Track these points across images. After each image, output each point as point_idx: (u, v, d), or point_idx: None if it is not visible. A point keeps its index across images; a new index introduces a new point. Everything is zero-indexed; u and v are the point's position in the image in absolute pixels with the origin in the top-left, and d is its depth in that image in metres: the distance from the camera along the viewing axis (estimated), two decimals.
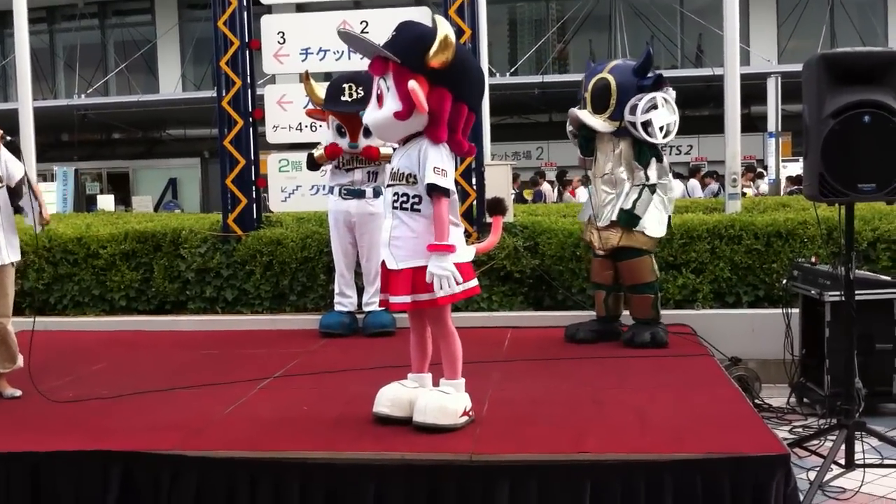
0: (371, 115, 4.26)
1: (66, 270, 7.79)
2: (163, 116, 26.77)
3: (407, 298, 4.15)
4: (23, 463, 4.05)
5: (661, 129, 6.03)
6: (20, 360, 5.24)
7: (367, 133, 6.50)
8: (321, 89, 6.77)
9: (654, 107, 6.00)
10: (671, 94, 6.13)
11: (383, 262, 4.28)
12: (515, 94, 21.86)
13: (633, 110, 6.01)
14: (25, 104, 8.79)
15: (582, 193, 18.37)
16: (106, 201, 20.53)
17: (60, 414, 4.74)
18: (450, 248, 4.07)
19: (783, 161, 18.96)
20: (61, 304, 7.82)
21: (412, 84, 4.02)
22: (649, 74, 6.12)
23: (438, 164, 4.11)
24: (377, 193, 6.81)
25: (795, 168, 20.14)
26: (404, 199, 4.20)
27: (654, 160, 6.17)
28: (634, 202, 6.11)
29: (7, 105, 25.14)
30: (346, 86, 6.51)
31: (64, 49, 28.59)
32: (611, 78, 6.12)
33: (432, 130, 4.15)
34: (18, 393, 5.14)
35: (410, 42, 4.10)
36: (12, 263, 5.22)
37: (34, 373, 5.35)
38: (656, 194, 6.18)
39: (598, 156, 6.31)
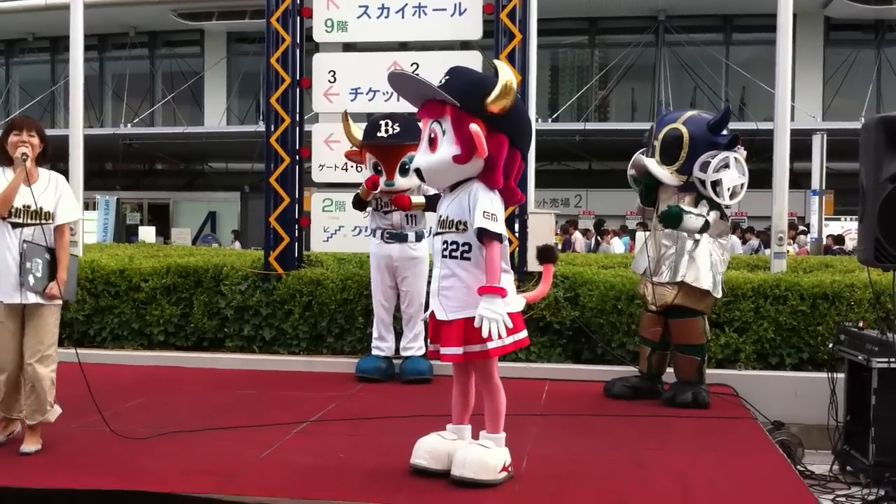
0: (424, 159, 4.20)
1: (108, 303, 7.83)
2: (206, 149, 27.09)
3: (459, 350, 4.10)
4: (61, 500, 4.04)
5: (728, 189, 5.94)
6: (56, 412, 4.85)
7: (404, 171, 6.51)
8: (359, 131, 6.80)
9: (726, 166, 5.90)
10: (742, 153, 6.01)
11: (433, 313, 4.24)
12: (556, 141, 21.88)
13: (704, 167, 5.91)
14: (76, 132, 8.88)
15: (617, 244, 18.29)
16: (147, 233, 20.75)
17: (97, 450, 4.73)
18: (500, 291, 4.01)
19: (826, 219, 18.77)
20: (100, 336, 7.85)
21: (475, 127, 4.00)
22: (723, 132, 6.04)
23: (489, 208, 4.07)
24: (419, 237, 6.82)
25: (837, 227, 19.95)
26: (454, 247, 4.17)
27: (714, 212, 6.06)
28: (680, 206, 5.92)
29: (55, 131, 25.50)
30: (382, 122, 6.57)
31: (113, 77, 29.09)
32: (684, 130, 6.04)
33: (488, 176, 4.12)
34: (33, 449, 4.70)
35: (468, 86, 4.09)
36: (55, 304, 4.82)
37: (72, 407, 5.37)
38: (715, 248, 6.06)
39: (659, 207, 6.20)
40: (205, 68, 28.00)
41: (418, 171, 4.26)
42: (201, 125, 27.12)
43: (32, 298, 4.71)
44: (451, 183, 4.23)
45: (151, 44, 29.20)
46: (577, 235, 18.48)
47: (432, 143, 4.16)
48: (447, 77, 4.17)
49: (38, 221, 4.74)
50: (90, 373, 6.68)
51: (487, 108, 4.01)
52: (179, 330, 7.79)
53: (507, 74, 4.04)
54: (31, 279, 4.67)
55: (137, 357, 7.57)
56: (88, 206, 20.87)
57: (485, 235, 4.05)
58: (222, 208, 28.16)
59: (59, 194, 4.86)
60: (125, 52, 28.58)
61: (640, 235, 6.43)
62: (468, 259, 4.14)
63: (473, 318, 4.03)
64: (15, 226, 4.72)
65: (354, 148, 6.89)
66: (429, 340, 4.37)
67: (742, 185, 6.00)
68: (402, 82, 4.31)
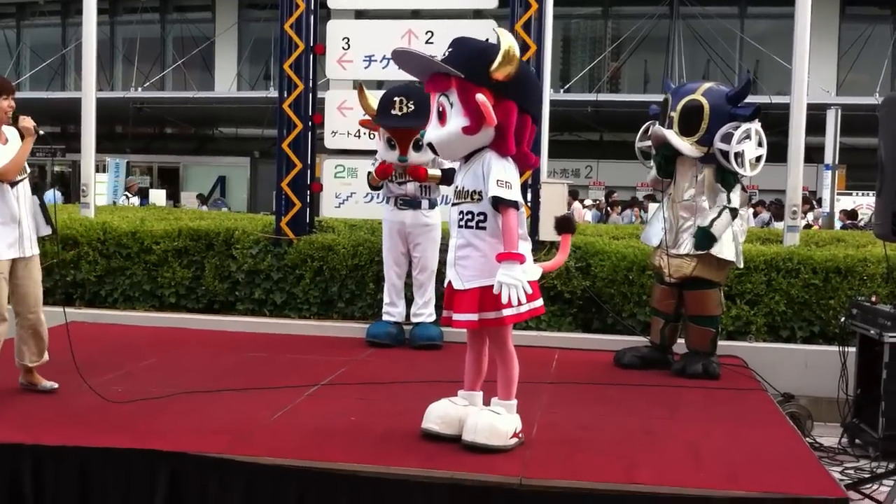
0: (435, 133, 4.19)
1: (119, 264, 7.84)
2: (216, 114, 27.06)
3: (474, 316, 4.09)
4: (73, 457, 4.07)
5: (750, 161, 5.91)
6: (46, 356, 5.22)
7: (417, 147, 6.48)
8: (375, 101, 6.73)
9: (748, 137, 5.87)
10: (759, 126, 5.99)
11: (449, 282, 4.23)
12: (568, 111, 21.76)
13: (727, 139, 5.86)
14: (89, 95, 8.85)
15: (627, 215, 18.24)
16: (158, 196, 20.75)
17: (110, 410, 4.75)
18: (519, 257, 3.99)
19: (838, 194, 18.70)
20: (112, 297, 7.86)
21: (481, 97, 3.98)
22: (742, 104, 5.99)
23: (502, 176, 4.05)
24: (433, 205, 6.82)
25: (849, 202, 19.87)
26: (469, 216, 4.16)
27: (738, 186, 6.07)
28: (713, 221, 5.95)
29: (65, 94, 25.63)
30: (396, 99, 6.44)
31: (124, 41, 28.98)
32: (704, 101, 5.97)
33: (500, 143, 4.10)
34: (55, 385, 5.14)
35: (472, 56, 4.06)
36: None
37: (83, 365, 5.39)
38: (737, 222, 6.07)
39: (677, 179, 6.15)
40: (216, 34, 27.88)
41: (430, 145, 4.24)
42: (212, 90, 27.04)
43: (30, 251, 5.06)
44: (465, 154, 4.22)
45: (163, 8, 29.08)
46: (576, 205, 18.40)
47: (441, 117, 4.14)
48: (450, 49, 4.14)
49: (23, 176, 5.07)
50: (101, 333, 6.79)
51: (492, 77, 3.98)
52: (190, 292, 7.80)
53: (507, 40, 4.00)
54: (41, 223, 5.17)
55: (148, 318, 7.57)
56: (99, 168, 20.85)
57: (500, 203, 4.03)
58: (232, 173, 28.18)
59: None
60: (136, 16, 28.46)
61: (652, 207, 6.37)
62: (484, 229, 4.12)
63: (490, 286, 4.02)
64: (12, 184, 4.99)
65: (369, 117, 6.84)
66: (443, 309, 4.35)
67: (761, 156, 5.97)
68: (406, 59, 4.28)
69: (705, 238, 5.94)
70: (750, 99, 6.17)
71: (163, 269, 7.77)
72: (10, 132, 5.09)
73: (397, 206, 6.79)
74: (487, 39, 4.56)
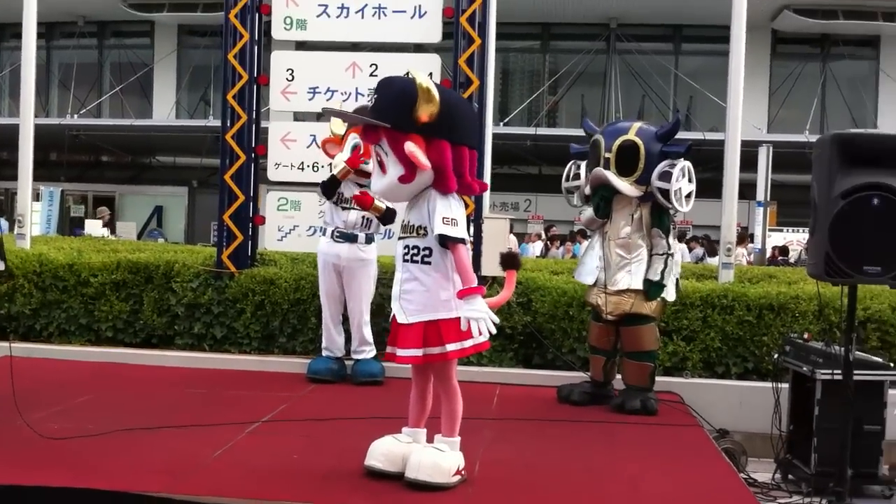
0: (378, 183, 4.25)
1: (55, 297, 7.70)
2: (154, 142, 26.75)
3: (418, 352, 4.12)
4: (8, 497, 3.97)
5: (686, 197, 6.11)
6: None
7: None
8: (341, 126, 6.65)
9: (683, 175, 6.06)
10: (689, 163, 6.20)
11: (393, 316, 4.26)
12: (507, 145, 22.00)
13: (665, 177, 6.03)
14: (27, 122, 8.73)
15: (560, 251, 18.47)
16: (94, 226, 20.39)
17: (46, 447, 4.66)
18: (480, 290, 4.05)
19: (769, 230, 19.15)
20: (47, 330, 7.72)
21: (409, 147, 4.00)
22: (672, 141, 6.18)
23: (447, 213, 4.09)
24: (369, 240, 6.80)
25: (780, 238, 20.37)
26: (415, 251, 4.19)
27: (672, 241, 6.25)
28: (662, 272, 6.12)
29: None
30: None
31: (60, 66, 28.54)
32: (639, 141, 6.12)
33: (440, 183, 4.13)
34: None
35: (394, 102, 4.04)
36: None
37: (18, 401, 5.28)
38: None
39: (613, 217, 6.28)
40: (154, 60, 27.64)
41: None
42: (150, 118, 26.75)
43: None
44: (410, 198, 4.26)
45: (100, 34, 28.72)
46: (511, 238, 18.52)
47: (382, 167, 4.18)
48: (376, 94, 4.15)
49: None
50: (36, 368, 6.65)
51: (418, 121, 4.00)
52: (128, 326, 7.68)
53: (422, 80, 3.99)
54: None
55: (85, 353, 7.43)
56: (33, 196, 20.44)
57: (447, 241, 4.09)
58: (169, 202, 27.83)
59: None
60: (73, 41, 28.07)
61: (585, 245, 6.49)
62: (429, 263, 4.17)
63: (433, 321, 4.08)
64: None
65: (331, 135, 6.73)
66: (386, 345, 4.37)
67: (692, 192, 6.17)
68: (335, 116, 4.33)
69: (658, 289, 6.13)
70: (684, 135, 6.35)
71: (100, 302, 7.66)
72: None
73: (333, 239, 6.75)
74: (407, 73, 4.55)
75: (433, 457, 4.20)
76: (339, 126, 6.69)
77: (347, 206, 6.70)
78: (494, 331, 4.06)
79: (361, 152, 6.44)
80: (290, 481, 4.26)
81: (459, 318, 4.06)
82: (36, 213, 19.04)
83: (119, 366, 7.20)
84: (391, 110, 4.04)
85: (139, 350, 7.54)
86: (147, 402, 5.94)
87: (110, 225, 20.75)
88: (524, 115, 25.62)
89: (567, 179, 6.68)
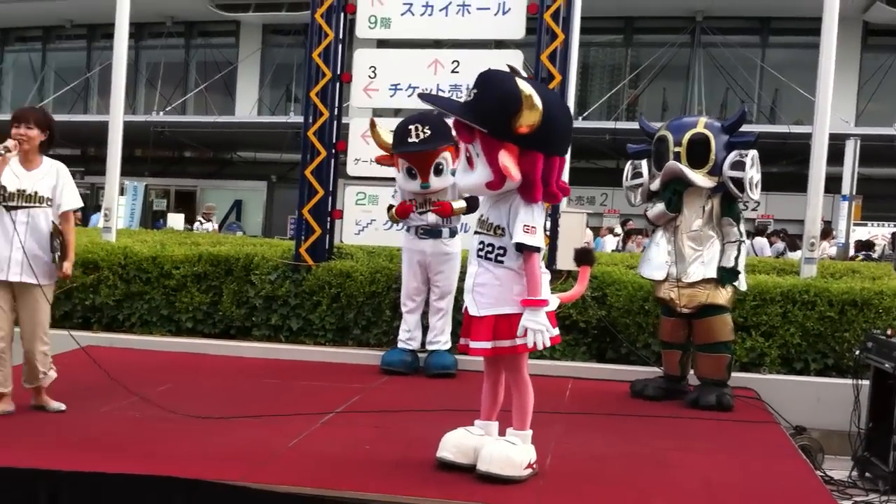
0: (464, 180, 4.24)
1: (139, 288, 7.92)
2: (235, 138, 27.21)
3: (487, 345, 4.14)
4: (86, 483, 4.10)
5: (756, 186, 6.13)
6: (49, 378, 5.25)
7: (438, 171, 6.54)
8: (388, 135, 6.78)
9: (753, 163, 6.07)
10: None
11: (466, 309, 4.27)
12: (585, 139, 21.83)
13: (737, 166, 6.04)
14: (116, 118, 9.01)
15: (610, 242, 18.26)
16: (176, 220, 20.88)
17: (124, 435, 4.82)
18: (543, 303, 4.06)
19: (854, 224, 18.62)
20: (129, 321, 7.94)
21: (503, 160, 3.95)
22: (738, 132, 6.18)
23: (528, 221, 4.08)
24: (453, 233, 6.86)
25: (864, 232, 19.80)
26: (489, 249, 4.19)
27: (742, 227, 6.21)
28: (736, 259, 6.11)
29: (87, 117, 25.91)
30: (412, 127, 6.46)
31: (147, 65, 29.29)
32: (709, 133, 6.13)
33: (527, 192, 4.08)
34: (62, 407, 5.23)
35: (495, 108, 3.95)
36: (43, 285, 5.12)
37: (99, 389, 5.46)
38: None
39: (685, 211, 6.25)
40: (239, 59, 28.13)
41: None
42: (232, 115, 27.26)
43: (15, 277, 5.04)
44: (493, 198, 4.24)
45: (188, 33, 29.35)
46: (588, 233, 18.33)
47: (470, 162, 4.15)
48: (475, 90, 4.06)
49: (32, 204, 5.08)
50: (118, 357, 6.85)
51: (517, 131, 3.93)
52: (207, 318, 7.87)
53: (527, 91, 3.89)
54: (56, 256, 5.08)
55: (165, 343, 7.64)
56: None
57: (524, 249, 4.08)
58: (248, 197, 28.31)
59: (59, 183, 5.19)
60: (161, 40, 28.76)
61: (658, 240, 6.42)
62: (501, 262, 4.16)
63: (505, 314, 4.09)
64: (9, 208, 5.04)
65: (384, 153, 6.85)
66: (460, 335, 4.39)
67: (758, 181, 6.20)
68: (432, 102, 4.34)
69: (733, 275, 6.12)
70: (768, 129, 6.32)
71: (181, 293, 7.84)
72: (47, 161, 5.19)
73: (417, 236, 6.83)
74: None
75: (505, 450, 4.21)
76: (384, 135, 6.78)
77: (424, 210, 6.77)
78: (549, 345, 4.07)
79: (409, 202, 6.68)
80: (362, 471, 4.31)
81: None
82: (120, 207, 19.59)
83: (198, 356, 7.38)
84: (491, 116, 3.96)
85: (218, 341, 7.71)
86: (224, 392, 6.07)
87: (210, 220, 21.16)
88: (603, 110, 25.35)
89: (628, 178, 6.64)
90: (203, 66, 28.69)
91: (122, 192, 21.72)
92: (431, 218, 6.76)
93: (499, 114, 3.93)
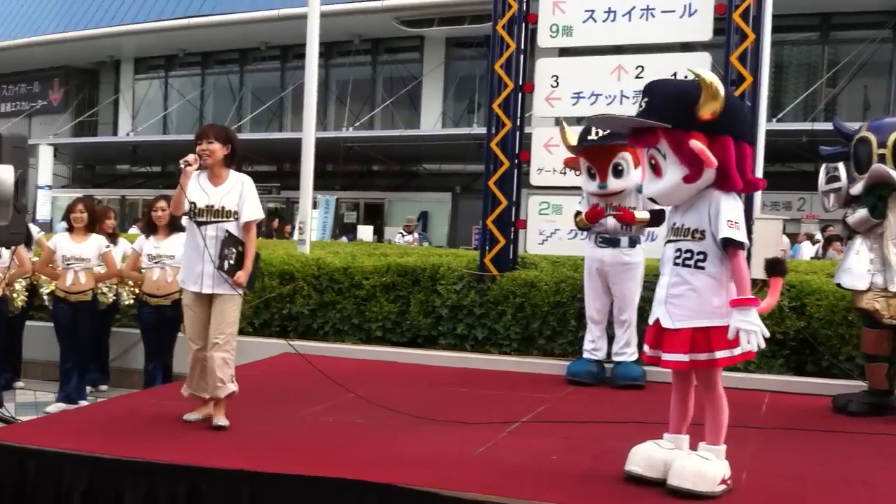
0: (654, 187, 4.09)
1: (331, 298, 8.20)
2: (421, 151, 27.83)
3: (684, 357, 4.00)
4: (286, 484, 4.25)
5: None
6: (227, 390, 5.20)
7: (617, 173, 6.44)
8: (574, 136, 6.76)
9: None
10: None
11: (657, 320, 4.16)
12: (779, 142, 20.94)
13: None
14: (309, 135, 9.41)
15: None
16: (365, 231, 21.50)
17: (320, 438, 4.98)
18: (754, 302, 3.88)
19: None
20: (323, 329, 8.23)
21: (696, 144, 3.85)
22: None
23: (732, 216, 3.94)
24: (633, 243, 6.71)
25: None
26: (688, 255, 4.05)
27: None
28: None
29: (282, 135, 27.19)
30: (592, 128, 6.46)
31: (337, 83, 30.43)
32: None
33: (724, 181, 3.96)
34: (226, 423, 5.14)
35: (673, 102, 3.92)
36: (237, 293, 5.27)
37: (296, 395, 5.66)
38: None
39: (889, 217, 5.87)
40: (423, 73, 28.77)
41: (651, 198, 4.18)
42: (417, 128, 27.89)
43: (208, 290, 5.21)
44: (689, 198, 4.08)
45: (374, 50, 30.32)
46: (784, 240, 17.53)
47: (655, 170, 4.05)
48: (646, 99, 4.03)
49: (220, 219, 5.22)
50: (314, 364, 7.09)
51: (700, 118, 3.86)
52: (396, 326, 8.04)
53: (708, 77, 3.84)
54: (226, 265, 5.17)
55: (357, 351, 7.87)
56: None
57: (731, 245, 3.94)
58: (434, 208, 28.84)
59: (243, 195, 5.30)
60: (349, 58, 29.84)
61: (857, 247, 6.05)
62: (702, 269, 4.01)
63: (702, 327, 3.95)
64: (199, 224, 5.21)
65: (572, 155, 6.85)
66: (646, 346, 4.26)
67: None
68: (604, 123, 4.25)
69: None
70: None
71: (371, 303, 8.06)
72: (232, 175, 5.36)
73: (596, 244, 6.75)
74: (675, 74, 4.42)
75: (697, 464, 4.05)
76: (570, 136, 6.73)
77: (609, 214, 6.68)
78: (764, 345, 3.88)
79: (599, 206, 6.60)
80: (549, 482, 4.27)
81: (729, 325, 3.92)
82: (313, 221, 20.39)
83: (387, 364, 7.56)
84: (670, 110, 3.91)
85: (406, 349, 7.87)
86: (413, 399, 6.15)
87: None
88: (799, 110, 24.26)
89: (823, 183, 6.29)
90: (389, 81, 29.56)
91: (315, 206, 22.66)
92: (610, 223, 6.64)
93: (678, 106, 3.89)
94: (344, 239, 19.88)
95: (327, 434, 5.10)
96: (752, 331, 3.83)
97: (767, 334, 3.88)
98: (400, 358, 7.69)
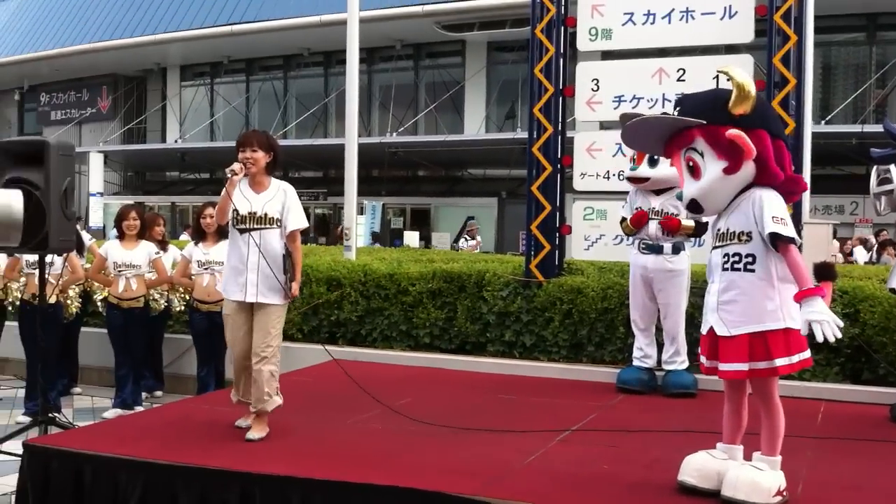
0: (694, 187, 4.03)
1: (378, 305, 8.21)
2: (465, 156, 27.83)
3: (744, 366, 3.93)
4: (334, 490, 4.27)
5: None
6: (274, 403, 5.19)
7: (652, 162, 6.39)
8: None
9: None
10: None
11: (710, 328, 4.10)
12: (828, 144, 20.62)
13: None
14: (352, 141, 9.43)
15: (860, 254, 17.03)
16: (412, 237, 21.52)
17: (368, 445, 4.99)
18: (819, 291, 3.77)
19: None
20: (371, 336, 8.24)
21: (734, 132, 3.84)
22: None
23: (777, 212, 3.88)
24: (676, 250, 6.63)
25: None
26: (736, 258, 3.99)
27: None
28: None
29: (326, 141, 27.34)
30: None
31: (380, 89, 30.56)
32: None
33: (764, 174, 3.94)
34: (257, 437, 5.09)
35: (706, 102, 4.00)
36: (282, 304, 5.27)
37: (345, 401, 5.66)
38: None
39: None
40: (465, 77, 28.78)
41: (692, 205, 4.09)
42: (461, 133, 27.89)
43: (252, 298, 5.19)
44: (730, 198, 4.03)
45: (416, 55, 30.39)
46: (834, 244, 17.21)
47: (694, 172, 4.02)
48: (679, 107, 4.09)
49: (262, 226, 5.21)
50: (362, 371, 7.12)
51: (734, 114, 3.87)
52: (444, 333, 8.03)
53: (739, 76, 3.85)
54: (288, 277, 5.20)
55: (405, 357, 7.88)
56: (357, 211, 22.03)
57: (779, 240, 3.86)
58: (480, 214, 28.79)
59: (286, 204, 5.29)
60: (391, 63, 29.95)
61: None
62: (752, 271, 3.95)
63: (759, 332, 3.89)
64: (242, 231, 5.22)
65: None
66: (702, 357, 4.20)
67: None
68: (639, 130, 4.20)
69: None
70: None
71: (418, 310, 8.05)
72: (274, 183, 5.35)
73: (640, 250, 6.70)
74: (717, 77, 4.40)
75: (752, 475, 3.99)
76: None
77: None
78: (840, 335, 3.73)
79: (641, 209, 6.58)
80: (599, 492, 4.22)
81: (787, 329, 3.86)
82: (360, 226, 20.48)
83: (435, 370, 7.55)
84: (705, 108, 3.95)
85: (454, 356, 7.85)
86: (461, 406, 6.16)
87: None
88: (848, 112, 23.88)
89: (874, 185, 6.17)
90: (432, 86, 29.59)
91: (361, 212, 22.76)
92: (651, 229, 6.58)
93: (712, 104, 3.95)
94: (376, 244, 19.84)
95: (376, 441, 5.11)
96: (823, 320, 3.69)
97: (841, 323, 3.75)
98: (448, 364, 7.68)
